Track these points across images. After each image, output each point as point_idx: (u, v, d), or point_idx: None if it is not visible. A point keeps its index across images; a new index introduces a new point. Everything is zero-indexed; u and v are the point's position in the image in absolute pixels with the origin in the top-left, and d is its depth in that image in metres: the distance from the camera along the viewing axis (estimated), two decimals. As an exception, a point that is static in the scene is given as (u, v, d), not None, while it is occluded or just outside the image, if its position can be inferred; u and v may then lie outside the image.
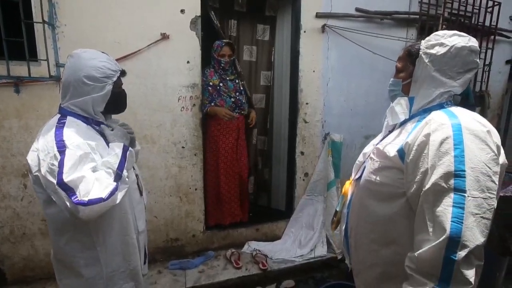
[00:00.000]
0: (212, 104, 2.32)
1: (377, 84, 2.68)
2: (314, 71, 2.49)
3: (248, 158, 2.62)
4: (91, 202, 0.88)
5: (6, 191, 1.90)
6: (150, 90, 2.07)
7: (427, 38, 0.88)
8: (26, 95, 1.84)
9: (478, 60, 0.85)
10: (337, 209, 1.12)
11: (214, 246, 2.47)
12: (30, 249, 2.01)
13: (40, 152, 0.94)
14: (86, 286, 1.08)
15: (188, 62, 2.13)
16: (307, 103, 2.52)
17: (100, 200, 0.89)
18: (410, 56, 0.90)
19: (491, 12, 2.93)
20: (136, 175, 1.21)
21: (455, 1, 2.76)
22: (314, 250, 2.43)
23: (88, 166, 0.94)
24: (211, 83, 2.30)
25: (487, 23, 2.94)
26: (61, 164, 0.89)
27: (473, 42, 0.84)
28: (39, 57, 1.82)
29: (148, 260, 1.33)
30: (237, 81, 2.42)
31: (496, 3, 2.90)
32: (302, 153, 2.59)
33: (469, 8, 2.86)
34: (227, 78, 2.34)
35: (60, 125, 0.99)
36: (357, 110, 2.68)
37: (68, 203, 0.88)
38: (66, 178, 0.88)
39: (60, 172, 0.88)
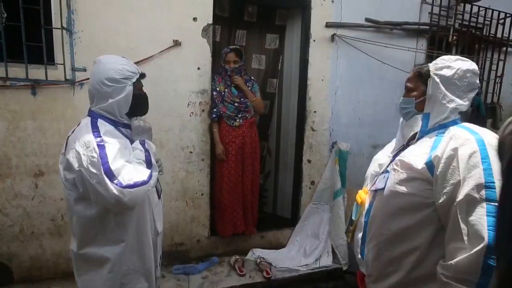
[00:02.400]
0: (215, 110, 2.28)
1: (386, 94, 2.68)
2: (322, 79, 2.51)
3: (258, 166, 2.51)
4: (136, 185, 0.98)
5: (18, 190, 1.95)
6: (161, 95, 2.11)
7: (433, 62, 0.99)
8: (41, 97, 1.90)
9: (478, 82, 0.97)
10: (353, 218, 1.14)
11: (218, 252, 2.46)
12: (38, 248, 2.04)
13: (79, 148, 1.02)
14: (105, 281, 1.12)
15: (198, 68, 2.17)
16: (315, 112, 2.53)
17: (143, 182, 1.00)
18: (421, 77, 1.00)
19: (503, 24, 2.92)
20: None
21: (466, 13, 2.75)
22: (319, 260, 2.40)
23: (124, 159, 1.04)
24: (217, 89, 2.30)
25: (499, 35, 2.92)
26: (103, 156, 0.99)
27: (474, 66, 0.95)
28: (56, 61, 1.89)
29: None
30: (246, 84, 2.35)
31: (508, 15, 2.88)
32: (309, 161, 2.59)
33: (480, 19, 2.85)
34: (232, 85, 2.31)
35: (94, 124, 1.08)
36: (365, 119, 2.67)
37: (114, 190, 0.95)
38: (113, 166, 0.98)
39: (105, 162, 0.98)
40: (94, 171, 0.97)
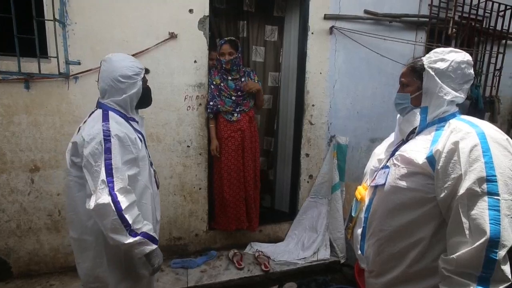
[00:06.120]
0: (211, 104, 2.21)
1: (385, 87, 2.66)
2: (321, 73, 2.48)
3: (259, 161, 2.47)
4: (117, 202, 1.01)
5: (14, 185, 1.93)
6: (157, 89, 2.08)
7: (427, 56, 0.97)
8: (35, 91, 1.87)
9: (473, 73, 0.95)
10: (353, 215, 1.13)
11: (217, 246, 2.47)
12: (36, 243, 2.04)
13: (85, 136, 1.07)
14: (107, 267, 1.16)
15: (195, 61, 2.14)
16: (313, 105, 2.51)
17: (120, 208, 1.01)
18: (415, 72, 0.98)
19: (503, 16, 2.89)
20: (154, 171, 1.37)
21: (466, 5, 2.72)
22: (317, 253, 2.42)
23: (127, 157, 1.10)
24: (214, 82, 2.24)
25: (498, 27, 2.89)
26: (107, 151, 1.04)
27: (468, 56, 0.94)
28: (49, 54, 1.85)
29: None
30: (242, 79, 2.27)
31: (508, 7, 2.86)
32: (307, 155, 2.58)
33: (480, 11, 2.82)
34: (228, 78, 2.24)
35: (105, 117, 1.13)
36: (364, 112, 2.66)
37: (101, 186, 1.00)
38: (114, 164, 1.03)
39: (109, 158, 1.03)
40: (91, 161, 1.04)
